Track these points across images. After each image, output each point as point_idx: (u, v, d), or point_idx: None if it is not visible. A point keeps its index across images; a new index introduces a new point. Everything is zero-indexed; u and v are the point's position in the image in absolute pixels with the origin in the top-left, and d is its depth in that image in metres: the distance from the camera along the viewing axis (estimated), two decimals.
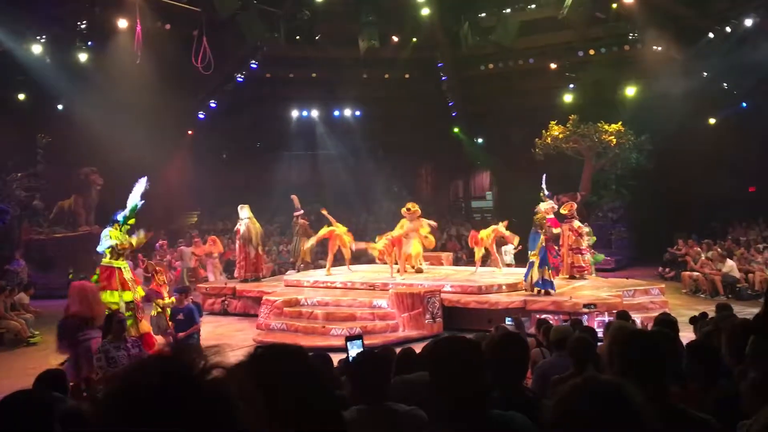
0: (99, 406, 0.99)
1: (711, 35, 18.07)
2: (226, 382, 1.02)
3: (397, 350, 5.51)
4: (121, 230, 10.99)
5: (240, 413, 0.99)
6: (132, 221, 11.14)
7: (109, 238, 10.83)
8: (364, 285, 14.72)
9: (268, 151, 26.96)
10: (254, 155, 26.59)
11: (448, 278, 14.58)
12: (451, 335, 3.09)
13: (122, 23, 17.14)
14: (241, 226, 16.28)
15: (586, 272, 15.12)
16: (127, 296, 10.58)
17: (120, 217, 11.00)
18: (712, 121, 21.29)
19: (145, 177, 11.46)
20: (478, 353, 2.42)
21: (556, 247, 14.24)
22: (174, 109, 21.36)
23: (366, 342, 6.51)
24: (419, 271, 15.42)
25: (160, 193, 18.06)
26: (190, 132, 23.94)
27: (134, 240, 11.27)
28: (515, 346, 3.19)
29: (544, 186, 14.97)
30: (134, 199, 11.21)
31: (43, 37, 17.52)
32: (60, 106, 20.24)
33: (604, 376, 1.65)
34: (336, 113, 26.98)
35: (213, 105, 23.22)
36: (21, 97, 19.52)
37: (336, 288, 14.90)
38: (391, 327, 12.55)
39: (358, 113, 26.83)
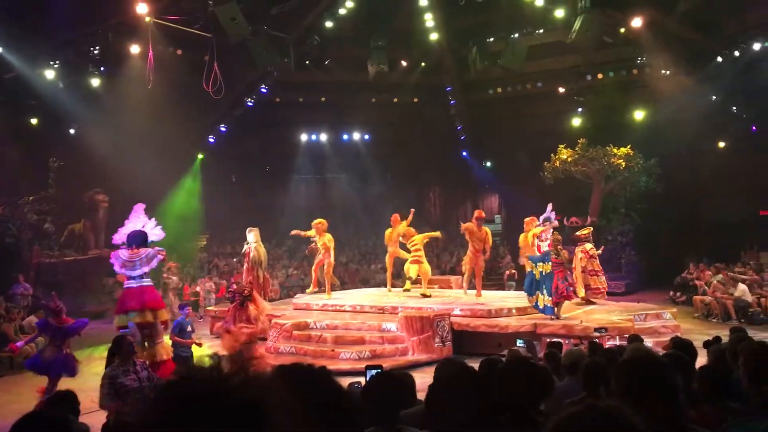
0: (143, 418, 1.00)
1: (720, 59, 18.11)
2: (264, 393, 1.02)
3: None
4: None
5: (279, 423, 1.00)
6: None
7: None
8: (374, 308, 14.66)
9: (277, 174, 27.07)
10: (263, 179, 26.70)
11: (458, 302, 14.51)
12: (449, 358, 3.07)
13: (134, 49, 17.30)
14: (251, 250, 16.26)
15: (601, 295, 15.01)
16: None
17: None
18: (721, 144, 21.24)
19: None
20: (473, 376, 2.42)
21: (568, 272, 13.14)
22: (184, 133, 21.51)
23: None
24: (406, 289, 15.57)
25: (169, 216, 18.17)
26: (200, 156, 24.12)
27: None
28: (525, 369, 3.18)
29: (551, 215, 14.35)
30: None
31: (56, 62, 17.67)
32: (72, 131, 20.38)
33: (604, 401, 1.65)
34: (345, 137, 27.12)
35: (223, 129, 23.42)
36: (33, 121, 19.67)
37: (345, 311, 14.86)
38: (401, 351, 12.48)
39: (366, 137, 26.97)
